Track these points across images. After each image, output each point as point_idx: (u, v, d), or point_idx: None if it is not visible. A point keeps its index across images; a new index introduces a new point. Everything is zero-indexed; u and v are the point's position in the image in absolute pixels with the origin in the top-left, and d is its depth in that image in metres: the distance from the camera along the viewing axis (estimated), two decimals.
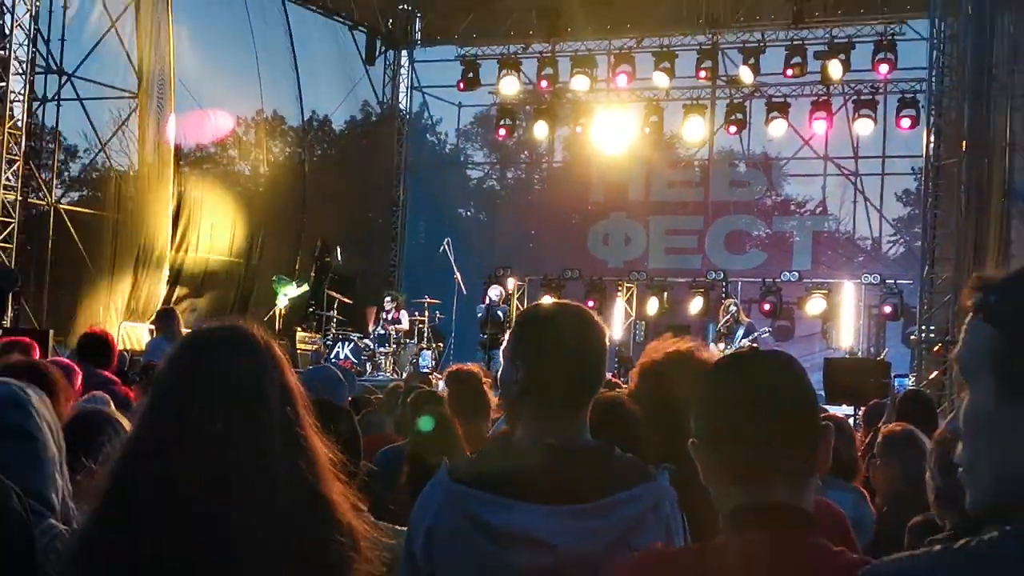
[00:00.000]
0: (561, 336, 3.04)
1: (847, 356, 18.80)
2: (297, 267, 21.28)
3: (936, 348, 15.53)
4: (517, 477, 2.88)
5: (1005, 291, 1.70)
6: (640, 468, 2.99)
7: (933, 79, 14.47)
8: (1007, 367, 1.64)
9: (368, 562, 2.55)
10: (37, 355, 6.81)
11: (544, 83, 22.28)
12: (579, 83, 21.94)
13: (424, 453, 4.87)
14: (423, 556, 2.85)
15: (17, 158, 17.79)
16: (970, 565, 1.65)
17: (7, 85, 17.75)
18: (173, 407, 2.59)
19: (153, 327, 14.50)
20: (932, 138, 14.40)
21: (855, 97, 20.72)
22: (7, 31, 17.89)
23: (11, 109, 17.80)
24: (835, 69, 20.04)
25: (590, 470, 2.91)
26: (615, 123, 22.52)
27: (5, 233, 17.45)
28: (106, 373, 8.17)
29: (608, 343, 3.10)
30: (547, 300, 18.44)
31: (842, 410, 12.22)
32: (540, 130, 23.28)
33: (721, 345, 17.60)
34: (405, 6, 23.09)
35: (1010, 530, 1.61)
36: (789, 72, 20.66)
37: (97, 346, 8.94)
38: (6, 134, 17.55)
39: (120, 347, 12.37)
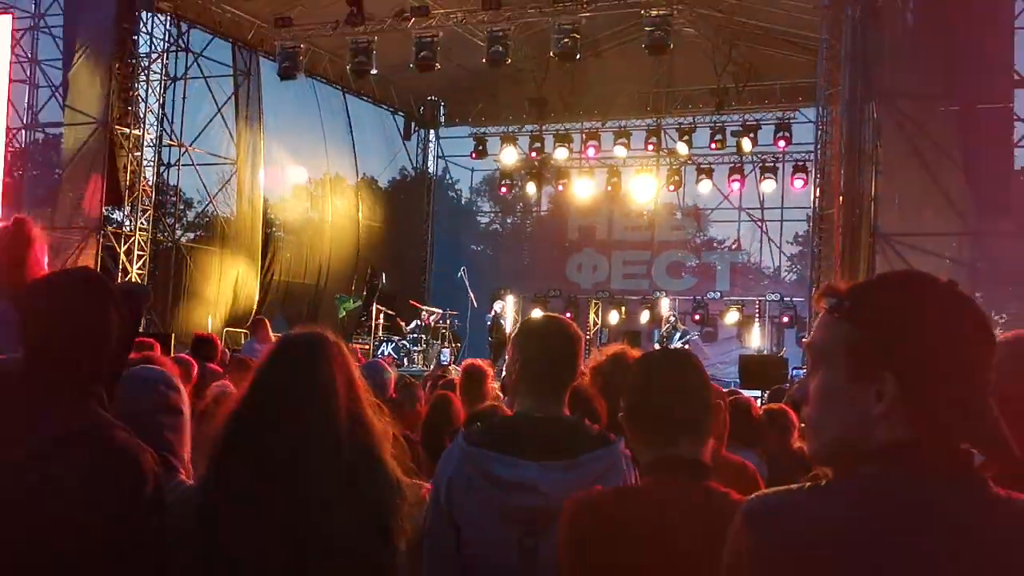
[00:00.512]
0: (547, 340, 3.10)
1: (756, 353, 18.79)
2: (353, 288, 21.19)
3: None
4: (516, 440, 2.93)
5: (856, 296, 1.71)
6: (603, 435, 2.99)
7: (818, 151, 14.49)
8: (856, 353, 1.66)
9: (409, 504, 2.60)
10: (158, 352, 6.83)
11: (534, 153, 22.22)
12: (560, 153, 21.86)
13: (436, 424, 4.91)
14: (445, 502, 2.87)
15: (149, 208, 17.83)
16: (822, 496, 1.66)
17: (141, 155, 17.77)
18: (269, 390, 2.64)
19: (247, 332, 14.48)
20: (817, 194, 14.41)
21: (761, 164, 20.68)
22: (142, 115, 17.92)
23: (144, 173, 17.85)
24: (746, 144, 20.04)
25: (568, 436, 2.93)
26: (586, 183, 22.56)
27: (140, 262, 17.50)
28: (212, 365, 8.23)
29: (581, 344, 3.15)
30: (537, 313, 18.43)
31: (752, 393, 12.22)
32: (531, 188, 23.34)
33: (662, 345, 17.58)
34: (433, 97, 23.08)
35: (842, 474, 1.68)
36: (713, 145, 20.66)
37: (206, 345, 9.01)
38: (141, 191, 17.62)
39: (223, 346, 12.35)
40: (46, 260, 4.14)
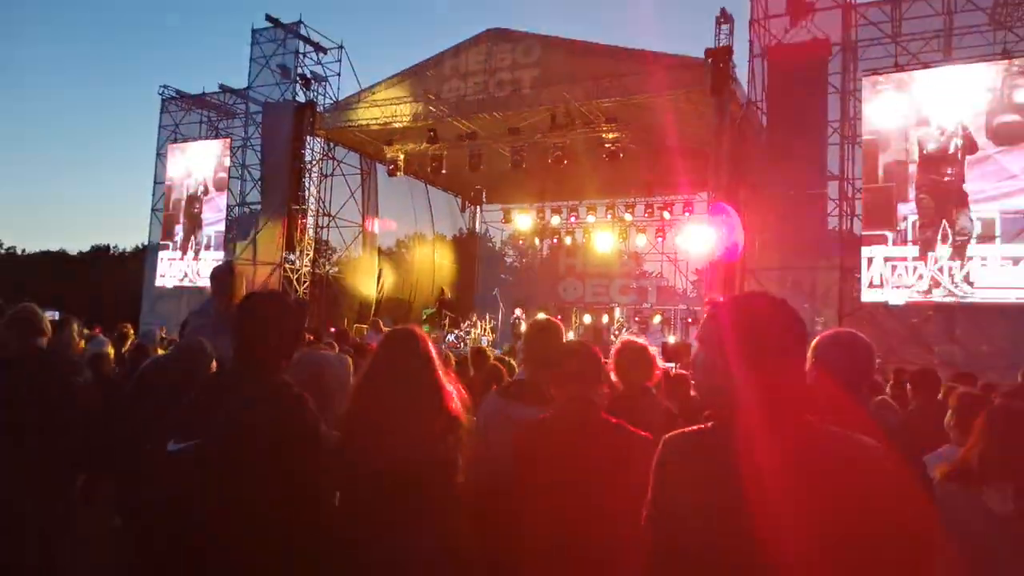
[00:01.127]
0: (543, 334, 3.12)
1: (671, 341, 18.66)
2: (431, 300, 21.26)
3: None
4: (521, 393, 2.96)
5: (715, 306, 1.70)
6: None
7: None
8: (723, 339, 1.63)
9: (464, 424, 2.62)
10: (320, 343, 6.72)
11: (539, 219, 22.22)
12: (554, 220, 21.84)
13: (486, 381, 4.92)
14: (484, 427, 2.89)
15: (310, 253, 17.98)
16: (698, 436, 1.67)
17: (305, 221, 17.97)
18: (384, 361, 2.68)
19: (368, 327, 14.61)
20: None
21: (675, 226, 20.61)
22: (307, 198, 18.08)
23: (308, 231, 18.03)
24: (666, 214, 20.04)
25: (546, 391, 2.92)
26: (570, 238, 22.53)
27: (304, 286, 17.66)
28: (347, 346, 8.24)
29: (560, 335, 3.14)
30: (541, 316, 18.36)
31: (669, 365, 12.09)
32: (536, 241, 23.38)
33: (615, 335, 17.45)
34: (478, 186, 23.11)
35: (711, 418, 1.69)
36: (646, 214, 20.68)
37: (341, 336, 9.05)
38: (306, 242, 17.76)
39: (352, 336, 12.41)
40: (245, 286, 4.17)
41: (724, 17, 13.67)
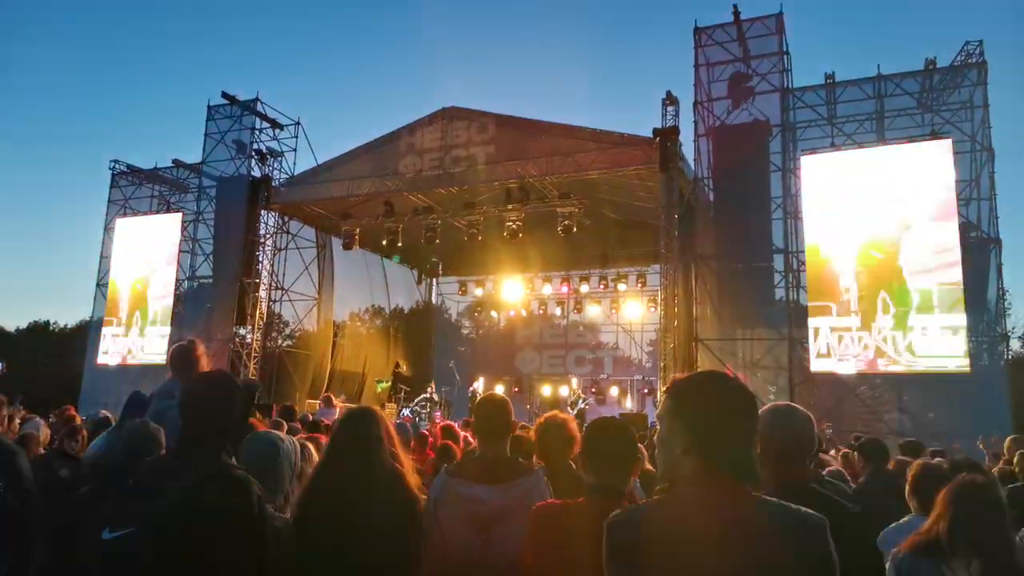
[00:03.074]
0: (487, 406, 3.09)
1: (628, 412, 18.69)
2: (385, 374, 20.97)
3: None
4: (474, 471, 2.91)
5: (671, 388, 1.77)
6: (529, 467, 2.99)
7: (662, 290, 14.52)
8: (668, 417, 1.72)
9: (420, 507, 2.59)
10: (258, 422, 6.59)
11: (494, 291, 22.43)
12: (510, 291, 22.04)
13: (439, 461, 4.82)
14: (433, 506, 2.84)
15: (261, 327, 17.68)
16: (658, 505, 1.70)
17: (258, 295, 17.73)
18: (342, 442, 2.63)
19: (321, 403, 14.27)
20: (663, 315, 14.42)
21: (630, 297, 20.94)
22: (259, 271, 17.92)
23: (259, 306, 17.77)
24: (622, 285, 20.41)
25: (505, 468, 2.90)
26: (526, 309, 22.69)
27: (254, 362, 17.28)
28: (297, 423, 8.01)
29: (508, 409, 3.08)
30: (499, 389, 18.32)
31: None
32: (493, 313, 23.44)
33: (571, 407, 17.43)
34: (435, 259, 23.24)
35: (669, 490, 1.72)
36: (601, 286, 21.03)
37: (288, 411, 8.78)
38: (257, 317, 17.49)
39: (302, 412, 12.10)
40: (209, 365, 4.04)
41: (670, 99, 14.36)
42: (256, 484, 2.34)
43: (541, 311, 22.47)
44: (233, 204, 17.68)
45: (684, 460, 1.66)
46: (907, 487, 3.41)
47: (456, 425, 6.63)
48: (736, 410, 1.69)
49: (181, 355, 3.94)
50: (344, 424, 2.68)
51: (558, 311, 22.39)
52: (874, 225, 13.01)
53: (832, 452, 7.83)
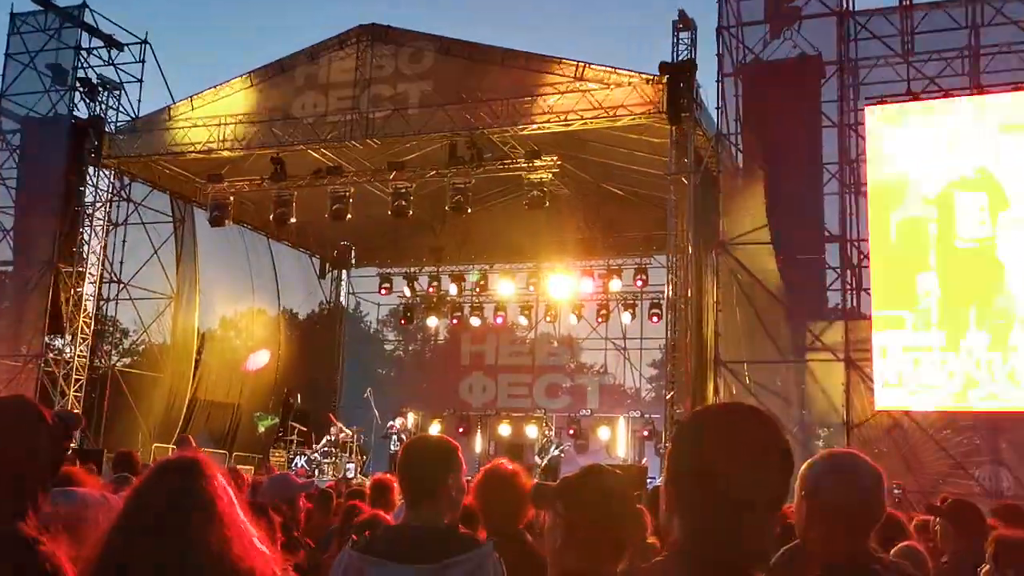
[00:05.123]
0: (416, 452, 3.13)
1: (621, 463, 18.79)
2: (271, 406, 20.77)
3: None
4: (391, 547, 2.92)
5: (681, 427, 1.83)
6: (473, 539, 3.02)
7: (669, 291, 14.70)
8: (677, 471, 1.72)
9: None
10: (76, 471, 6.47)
11: (431, 290, 22.45)
12: (453, 290, 22.02)
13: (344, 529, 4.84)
14: None
15: (88, 337, 17.43)
16: (658, 566, 1.74)
17: (83, 290, 17.45)
18: (142, 509, 2.53)
19: (174, 447, 13.99)
20: (670, 327, 14.57)
21: (623, 301, 21.08)
22: (85, 255, 17.60)
23: (85, 306, 17.52)
24: (613, 284, 20.53)
25: (439, 541, 2.92)
26: (476, 316, 22.66)
27: (77, 386, 17.04)
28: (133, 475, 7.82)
29: (449, 460, 3.10)
30: (435, 429, 18.29)
31: None
32: (431, 321, 23.38)
33: (541, 456, 17.47)
34: (345, 242, 23.08)
35: (669, 553, 1.73)
36: (584, 284, 21.11)
37: (125, 461, 8.54)
38: (81, 322, 17.22)
39: (149, 460, 11.86)
40: None
41: (684, 22, 14.39)
42: (60, 557, 2.32)
43: (499, 319, 22.48)
44: (46, 157, 17.29)
45: (672, 519, 1.74)
46: (985, 567, 3.51)
47: (393, 478, 6.68)
48: (770, 462, 1.71)
49: None
50: (149, 480, 2.56)
51: (523, 319, 22.41)
52: (964, 205, 13.23)
53: (904, 520, 7.91)
